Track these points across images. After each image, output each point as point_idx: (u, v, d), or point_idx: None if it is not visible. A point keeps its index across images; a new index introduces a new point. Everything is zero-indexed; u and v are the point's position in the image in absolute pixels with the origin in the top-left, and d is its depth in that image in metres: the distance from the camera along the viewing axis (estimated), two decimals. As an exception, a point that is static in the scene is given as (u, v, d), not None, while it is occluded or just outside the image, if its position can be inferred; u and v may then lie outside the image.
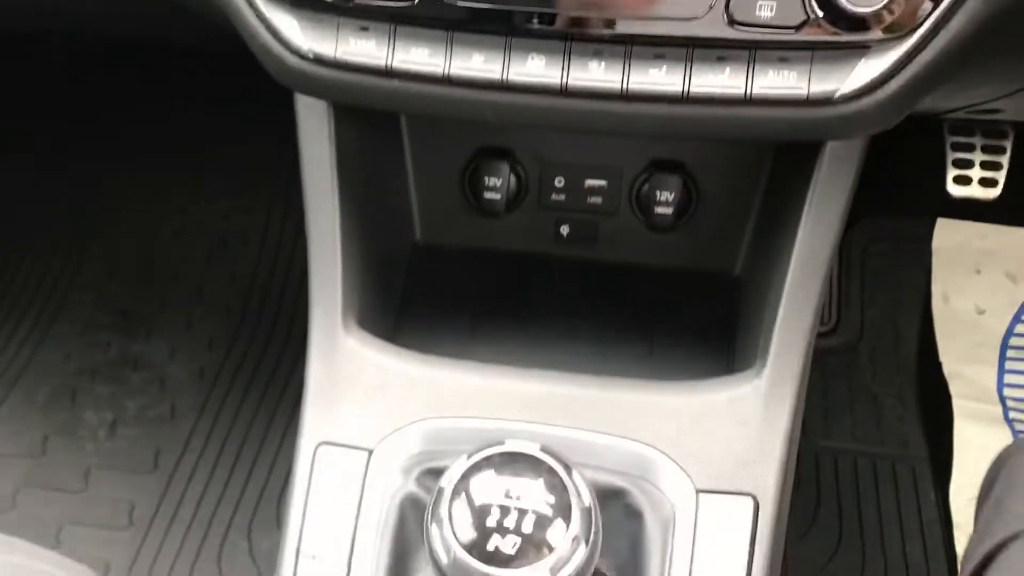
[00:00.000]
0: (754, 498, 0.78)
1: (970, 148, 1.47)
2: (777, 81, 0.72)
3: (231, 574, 1.42)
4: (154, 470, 1.54)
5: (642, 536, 0.78)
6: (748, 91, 0.72)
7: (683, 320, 1.03)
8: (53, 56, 1.88)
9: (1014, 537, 0.71)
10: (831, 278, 1.67)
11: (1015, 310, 1.55)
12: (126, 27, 1.27)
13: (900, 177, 1.61)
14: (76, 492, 1.52)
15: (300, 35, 0.76)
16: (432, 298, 1.05)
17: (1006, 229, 1.55)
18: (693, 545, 0.77)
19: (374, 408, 0.84)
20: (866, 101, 0.73)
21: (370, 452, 0.81)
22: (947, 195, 1.49)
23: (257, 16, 0.77)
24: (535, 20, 0.73)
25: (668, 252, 1.05)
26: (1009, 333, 1.54)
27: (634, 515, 0.78)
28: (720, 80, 0.73)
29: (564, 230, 1.05)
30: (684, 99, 0.73)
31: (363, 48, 0.75)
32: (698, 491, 0.79)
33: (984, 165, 1.47)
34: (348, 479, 0.81)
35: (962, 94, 0.93)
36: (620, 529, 0.79)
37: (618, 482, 0.79)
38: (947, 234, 1.56)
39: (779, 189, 0.95)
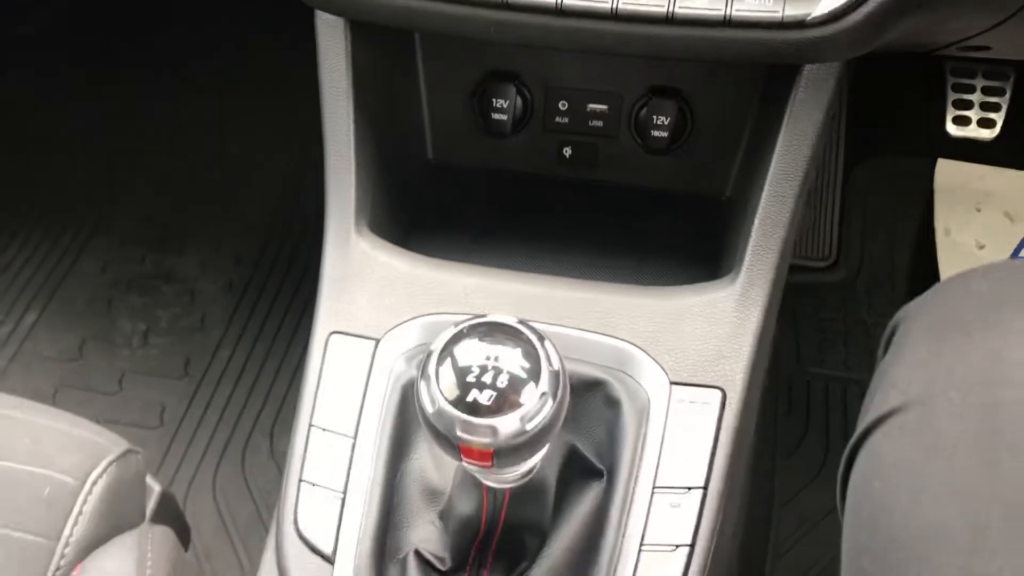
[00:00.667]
0: (722, 390, 0.86)
1: (970, 89, 1.51)
2: (754, 4, 0.79)
3: (253, 471, 1.52)
4: (184, 375, 1.64)
5: (619, 422, 0.85)
6: (727, 13, 0.79)
7: (674, 238, 1.09)
8: None
9: (890, 413, 0.70)
10: (833, 214, 1.73)
11: (1013, 247, 1.60)
12: None
13: (902, 119, 1.66)
14: (111, 394, 1.63)
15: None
16: (440, 211, 1.12)
17: (1004, 171, 1.60)
18: (664, 430, 0.85)
19: (381, 303, 0.92)
20: (837, 25, 0.79)
21: (377, 342, 0.90)
22: (947, 136, 1.54)
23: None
24: None
25: (664, 175, 1.11)
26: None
27: (612, 403, 0.86)
28: (702, 3, 0.79)
29: (566, 151, 1.11)
30: (669, 20, 0.80)
31: None
32: (672, 383, 0.86)
33: (983, 106, 1.52)
34: (356, 365, 0.89)
35: (942, 27, 0.98)
36: (599, 416, 0.87)
37: (599, 374, 0.87)
38: (948, 175, 1.61)
39: (766, 115, 1.01)
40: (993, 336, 0.69)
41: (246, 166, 1.88)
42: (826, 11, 0.78)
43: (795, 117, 0.89)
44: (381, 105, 1.01)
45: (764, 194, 0.91)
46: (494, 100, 1.08)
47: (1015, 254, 1.59)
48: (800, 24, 0.79)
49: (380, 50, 0.99)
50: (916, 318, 0.77)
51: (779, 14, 0.78)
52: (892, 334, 0.79)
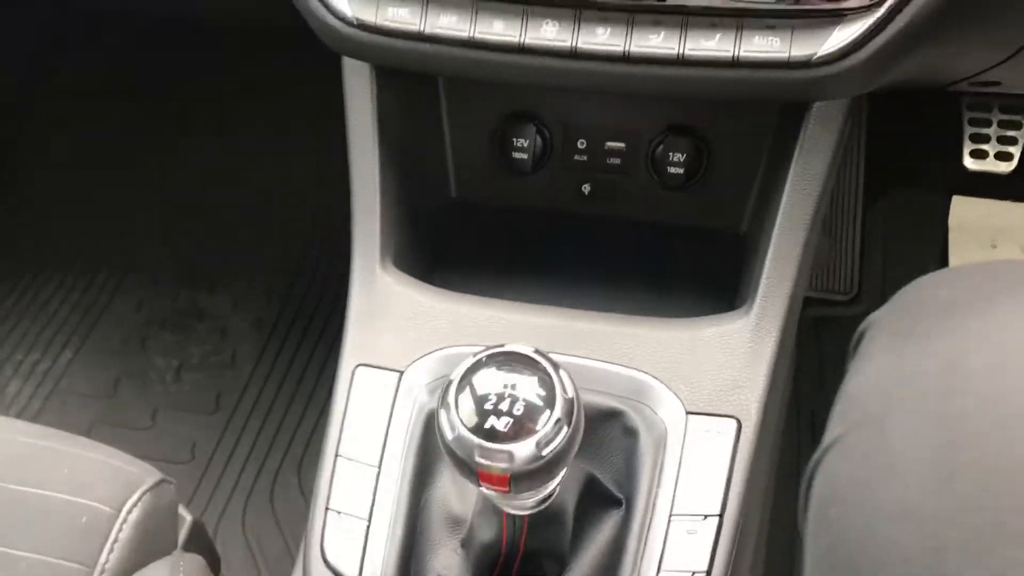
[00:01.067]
0: (737, 420, 0.88)
1: (987, 123, 1.53)
2: (762, 45, 0.82)
3: (281, 505, 1.55)
4: (215, 411, 1.68)
5: (636, 451, 0.87)
6: (736, 54, 0.82)
7: (692, 272, 1.12)
8: (113, 35, 2.01)
9: (847, 431, 0.66)
10: (855, 249, 1.74)
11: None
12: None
13: (919, 154, 1.68)
14: (144, 429, 1.67)
15: (346, 4, 0.88)
16: (464, 246, 1.15)
17: (1020, 207, 1.61)
18: (681, 459, 0.87)
19: (405, 336, 0.95)
20: (842, 65, 0.82)
21: (401, 373, 0.92)
22: (964, 170, 1.56)
23: (309, -14, 0.88)
24: (547, 3, 0.83)
25: (681, 210, 1.14)
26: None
27: (630, 433, 0.88)
28: (711, 45, 0.82)
29: (586, 188, 1.14)
30: (679, 62, 0.83)
31: (400, 15, 0.86)
32: (688, 412, 0.88)
33: (1000, 140, 1.53)
34: (381, 396, 0.92)
35: (947, 64, 1.00)
36: (618, 445, 0.89)
37: (617, 404, 0.89)
38: (963, 211, 1.62)
39: (778, 151, 1.04)
40: (951, 343, 0.66)
41: (274, 203, 1.93)
42: (830, 51, 0.81)
43: (805, 152, 0.92)
44: (406, 146, 1.05)
45: (776, 228, 0.93)
46: (515, 140, 1.12)
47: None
48: (806, 64, 0.81)
49: (405, 93, 1.03)
50: (879, 327, 0.74)
51: (785, 54, 0.81)
52: (857, 345, 0.75)
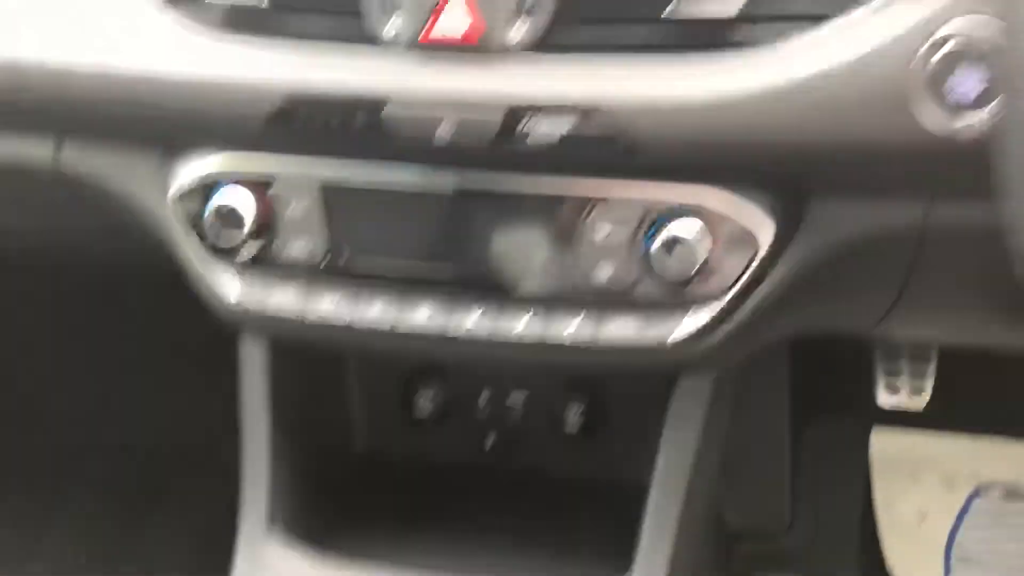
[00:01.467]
0: None
1: (897, 359, 1.58)
2: (617, 331, 0.86)
3: None
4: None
5: None
6: (593, 340, 0.86)
7: (594, 526, 1.13)
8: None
9: None
10: (785, 481, 1.74)
11: (954, 516, 1.60)
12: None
13: (843, 385, 1.71)
14: None
15: (231, 288, 0.92)
16: (366, 502, 1.16)
17: (938, 437, 1.63)
18: None
19: None
20: (696, 347, 0.86)
21: None
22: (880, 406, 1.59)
23: (197, 273, 0.93)
24: (422, 285, 0.88)
25: (584, 463, 1.16)
26: (951, 540, 1.59)
27: None
28: (570, 331, 0.86)
29: (488, 441, 1.17)
30: (540, 347, 0.87)
31: (281, 301, 0.91)
32: None
33: (913, 375, 1.57)
34: None
35: (821, 326, 1.04)
36: None
37: None
38: (883, 443, 1.64)
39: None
40: None
41: (210, 440, 1.92)
42: (682, 336, 0.85)
43: (674, 423, 0.95)
44: (305, 405, 1.08)
45: (651, 493, 0.95)
46: (418, 396, 1.15)
47: (956, 525, 1.59)
48: (660, 348, 0.86)
49: (303, 360, 1.06)
50: None
51: (639, 340, 0.85)
52: None
